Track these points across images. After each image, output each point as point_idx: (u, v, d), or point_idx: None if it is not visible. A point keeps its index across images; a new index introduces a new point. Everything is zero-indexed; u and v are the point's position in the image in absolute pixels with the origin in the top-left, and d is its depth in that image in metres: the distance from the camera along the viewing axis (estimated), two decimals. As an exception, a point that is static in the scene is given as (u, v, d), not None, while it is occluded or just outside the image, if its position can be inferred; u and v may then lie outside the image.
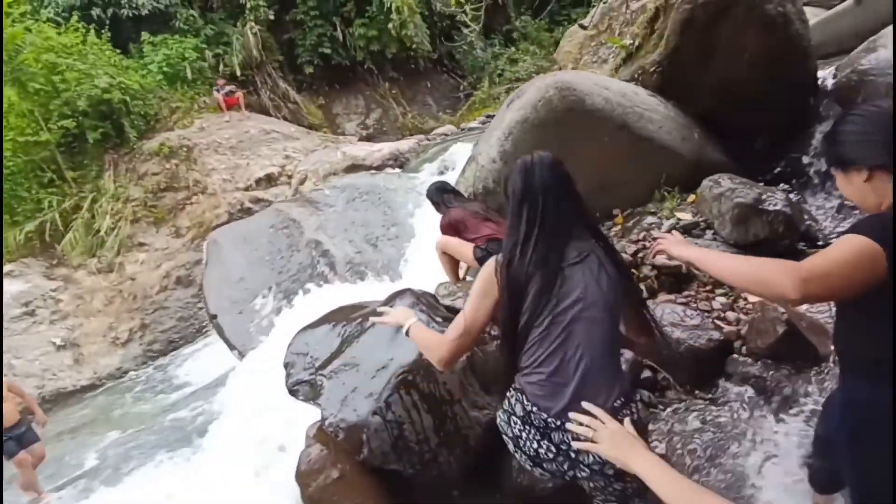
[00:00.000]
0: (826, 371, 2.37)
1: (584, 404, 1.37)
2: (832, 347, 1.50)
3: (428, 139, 10.13)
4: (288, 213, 6.39)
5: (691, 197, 3.61)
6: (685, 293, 3.01)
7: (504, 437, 1.59)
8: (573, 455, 1.44)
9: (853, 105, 1.43)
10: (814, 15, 5.29)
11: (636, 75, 4.33)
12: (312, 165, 9.20)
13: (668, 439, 2.42)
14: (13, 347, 7.80)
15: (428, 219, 4.85)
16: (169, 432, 4.96)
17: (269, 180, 10.07)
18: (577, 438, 1.37)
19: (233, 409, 3.93)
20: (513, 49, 14.29)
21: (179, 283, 9.26)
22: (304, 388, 2.69)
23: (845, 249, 1.19)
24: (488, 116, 10.24)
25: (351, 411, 2.40)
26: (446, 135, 10.35)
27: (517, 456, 1.55)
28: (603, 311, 1.49)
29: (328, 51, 12.92)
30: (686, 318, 2.78)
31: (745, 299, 2.96)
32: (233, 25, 12.40)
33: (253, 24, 12.02)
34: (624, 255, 3.23)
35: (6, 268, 8.55)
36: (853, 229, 1.23)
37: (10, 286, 8.28)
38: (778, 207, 3.09)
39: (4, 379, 4.45)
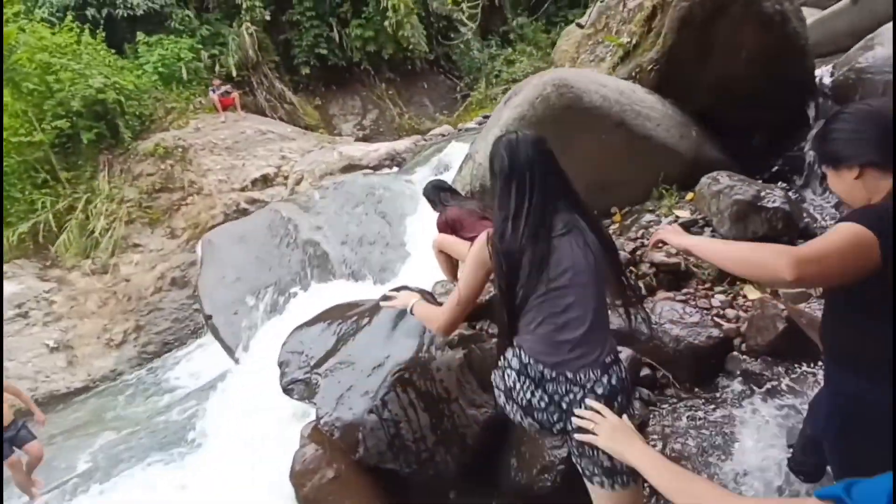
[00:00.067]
0: (827, 368, 2.34)
1: (589, 402, 1.45)
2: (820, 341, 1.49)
3: (425, 139, 10.10)
4: (284, 213, 6.34)
5: (689, 195, 3.59)
6: (684, 290, 2.99)
7: (496, 391, 1.67)
8: (564, 406, 1.53)
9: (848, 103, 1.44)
10: (809, 15, 5.29)
11: (633, 73, 4.32)
12: (309, 165, 9.17)
13: (667, 437, 2.39)
14: (6, 349, 7.72)
15: (424, 217, 4.82)
16: (163, 434, 4.91)
17: (265, 181, 10.03)
18: (577, 430, 1.44)
19: (227, 410, 3.88)
20: (510, 50, 14.30)
21: (174, 284, 9.19)
22: (298, 387, 2.65)
23: (840, 235, 1.21)
24: (485, 117, 10.22)
25: (346, 410, 2.36)
26: (443, 135, 10.32)
27: (507, 408, 1.63)
28: (592, 276, 1.59)
29: (324, 51, 12.90)
30: (685, 315, 2.76)
31: (745, 297, 2.94)
32: (229, 26, 12.37)
33: (249, 24, 12.00)
34: (622, 254, 3.21)
35: (0, 269, 8.47)
36: (848, 218, 1.25)
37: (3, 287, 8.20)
38: (777, 204, 3.08)
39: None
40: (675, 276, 3.08)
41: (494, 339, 2.59)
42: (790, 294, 2.76)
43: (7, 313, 8.13)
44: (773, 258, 1.21)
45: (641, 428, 2.38)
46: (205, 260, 6.36)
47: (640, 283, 3.03)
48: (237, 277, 5.85)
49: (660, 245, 1.64)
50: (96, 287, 9.06)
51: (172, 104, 10.96)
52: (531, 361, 1.56)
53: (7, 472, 4.42)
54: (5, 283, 8.33)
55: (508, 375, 1.60)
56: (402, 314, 2.53)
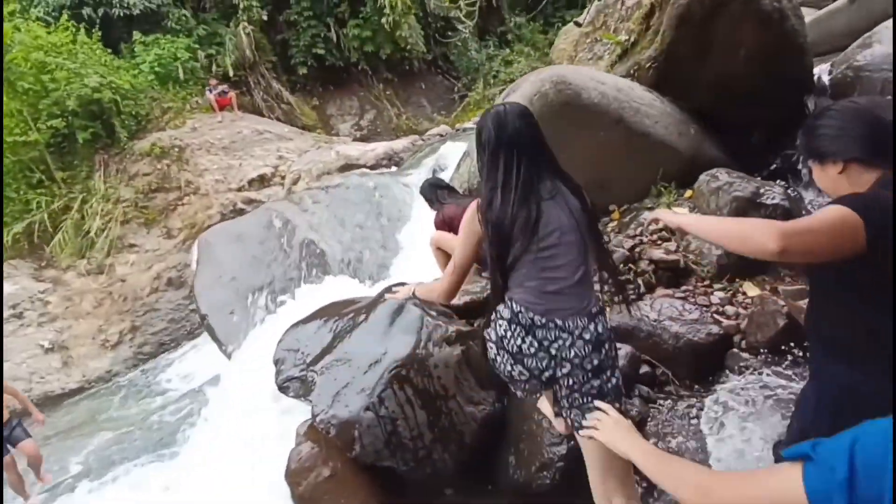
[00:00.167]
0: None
1: (597, 402, 1.48)
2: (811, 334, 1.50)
3: (423, 139, 10.07)
4: (281, 213, 6.31)
5: (688, 192, 3.58)
6: (683, 287, 2.98)
7: (488, 346, 1.74)
8: (553, 352, 1.63)
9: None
10: (806, 14, 5.30)
11: (632, 71, 4.31)
12: (306, 165, 9.12)
13: (666, 434, 2.37)
14: (1, 350, 7.65)
15: (421, 216, 4.80)
16: (158, 433, 4.86)
17: (262, 181, 9.97)
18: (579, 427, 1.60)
19: (223, 409, 3.84)
20: (507, 51, 14.28)
21: (171, 284, 9.12)
22: (294, 385, 2.62)
23: (826, 214, 1.25)
24: (483, 117, 10.16)
25: (343, 407, 2.33)
26: (441, 135, 10.29)
27: (499, 359, 1.69)
28: (576, 236, 1.70)
29: (322, 51, 12.84)
30: (685, 312, 2.75)
31: (744, 294, 2.92)
32: (225, 26, 12.31)
33: (246, 24, 11.94)
34: (621, 251, 3.20)
35: (-6, 269, 8.40)
36: (836, 202, 1.28)
37: (-3, 288, 8.13)
38: (776, 201, 3.07)
39: None
40: (675, 273, 3.06)
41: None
42: (790, 291, 2.75)
43: (1, 314, 8.05)
44: (759, 230, 1.24)
45: (641, 424, 2.36)
46: (201, 259, 6.32)
47: (640, 280, 3.01)
48: (233, 277, 5.81)
49: (656, 224, 1.68)
50: (91, 287, 8.99)
51: (169, 104, 10.89)
52: (522, 310, 1.64)
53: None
54: (0, 284, 8.26)
55: (500, 325, 1.68)
56: (399, 310, 2.51)
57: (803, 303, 2.69)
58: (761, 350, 2.58)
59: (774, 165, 3.89)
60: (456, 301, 2.90)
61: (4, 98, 9.00)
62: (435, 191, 3.89)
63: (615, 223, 3.68)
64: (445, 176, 5.15)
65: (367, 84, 13.70)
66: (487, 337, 1.73)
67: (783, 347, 2.53)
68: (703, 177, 3.40)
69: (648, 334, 2.69)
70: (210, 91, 11.04)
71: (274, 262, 5.75)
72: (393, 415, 2.27)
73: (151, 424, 5.23)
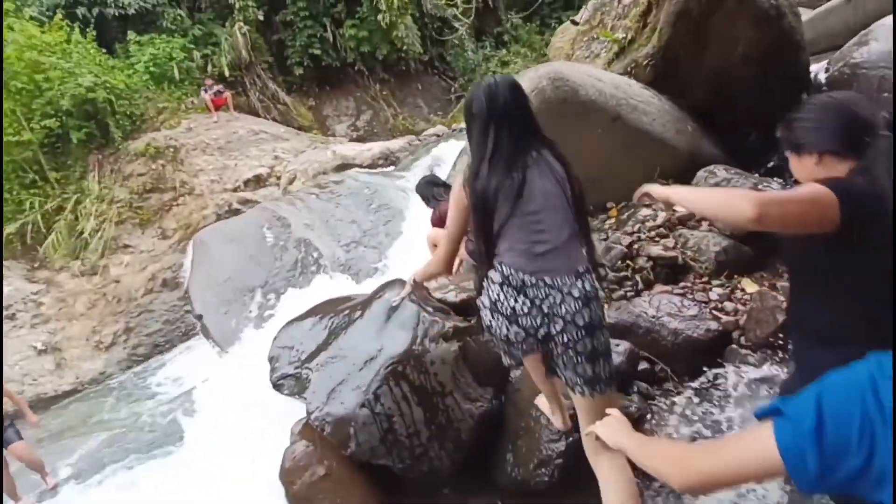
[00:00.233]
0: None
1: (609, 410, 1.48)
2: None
3: (419, 139, 10.05)
4: (276, 212, 6.28)
5: (686, 189, 3.56)
6: (681, 284, 2.96)
7: (482, 312, 1.80)
8: (545, 309, 1.69)
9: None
10: (801, 14, 5.32)
11: (629, 69, 4.29)
12: (302, 165, 9.08)
13: (665, 430, 2.34)
14: (-7, 351, 7.57)
15: (418, 214, 4.77)
16: (152, 434, 4.81)
17: (258, 181, 9.91)
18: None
19: (217, 410, 3.81)
20: (504, 51, 14.30)
21: (165, 285, 9.03)
22: (288, 383, 2.59)
23: (803, 189, 1.33)
24: (479, 117, 10.14)
25: (338, 404, 2.30)
26: (438, 135, 10.27)
27: (494, 323, 1.75)
28: (561, 200, 1.76)
29: (318, 52, 12.81)
30: (683, 308, 2.73)
31: (743, 290, 2.91)
32: (221, 26, 12.27)
33: (242, 24, 11.89)
34: (619, 248, 3.18)
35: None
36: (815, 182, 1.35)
37: (-11, 288, 8.04)
38: (774, 197, 3.05)
39: None
40: (673, 270, 3.04)
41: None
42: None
43: (-6, 315, 7.97)
44: (739, 198, 1.30)
45: (640, 421, 2.33)
46: (196, 259, 6.28)
47: (638, 277, 2.99)
48: (228, 276, 5.77)
49: (645, 199, 1.71)
50: (85, 288, 8.91)
51: (164, 104, 10.83)
52: (512, 272, 1.71)
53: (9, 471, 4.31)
54: (-7, 284, 8.18)
55: (492, 290, 1.74)
56: (395, 306, 2.48)
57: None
58: (760, 346, 2.55)
59: (772, 163, 3.88)
60: (453, 298, 2.88)
61: (-3, 97, 8.94)
62: (431, 188, 3.87)
63: (613, 220, 3.65)
64: (442, 174, 5.12)
65: (364, 85, 13.67)
66: (481, 304, 1.78)
67: (782, 343, 2.51)
68: (700, 173, 3.39)
69: (647, 331, 2.67)
70: (205, 91, 10.99)
71: (269, 262, 5.72)
72: (389, 412, 2.24)
73: (144, 425, 5.18)
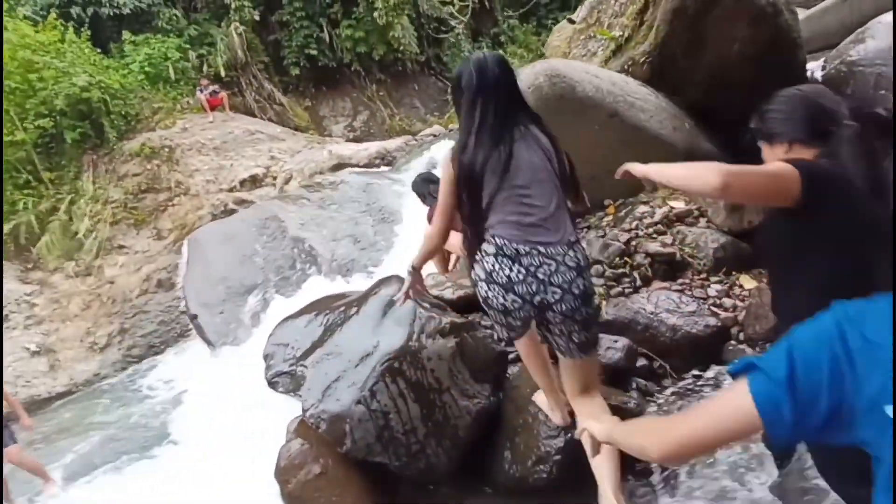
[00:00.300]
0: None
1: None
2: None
3: (416, 139, 10.05)
4: (271, 212, 6.25)
5: (683, 186, 3.55)
6: (680, 280, 2.95)
7: (477, 284, 1.84)
8: (541, 277, 1.74)
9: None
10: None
11: (626, 67, 4.28)
12: (298, 164, 9.05)
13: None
14: (-14, 352, 7.49)
15: (414, 213, 4.75)
16: (146, 435, 4.77)
17: (254, 181, 9.87)
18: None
19: (212, 409, 3.78)
20: (500, 52, 14.31)
21: (160, 286, 8.97)
22: (283, 380, 2.56)
23: (768, 164, 1.43)
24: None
25: (333, 401, 2.27)
26: (434, 135, 10.27)
27: (490, 294, 1.79)
28: (548, 173, 1.81)
29: (314, 52, 12.78)
30: (682, 304, 2.72)
31: (741, 286, 2.90)
32: (217, 26, 12.23)
33: (238, 24, 11.86)
34: (617, 244, 3.17)
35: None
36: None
37: (-17, 290, 7.97)
38: (772, 193, 3.04)
39: None
40: (671, 266, 3.04)
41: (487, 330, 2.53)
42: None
43: (-13, 316, 7.90)
44: (705, 169, 1.39)
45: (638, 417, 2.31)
46: (191, 259, 6.25)
47: (636, 274, 2.98)
48: (223, 276, 5.73)
49: (626, 176, 1.75)
50: (79, 289, 8.84)
51: (159, 104, 10.78)
52: (505, 243, 1.75)
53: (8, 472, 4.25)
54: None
55: (487, 261, 1.78)
56: (391, 302, 2.45)
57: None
58: (759, 342, 2.54)
59: (769, 160, 3.88)
60: (450, 295, 2.86)
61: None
62: (427, 185, 3.85)
63: (610, 217, 3.64)
64: (438, 173, 5.10)
65: (360, 85, 13.65)
66: (476, 278, 1.82)
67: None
68: (698, 170, 3.37)
69: (645, 327, 2.66)
70: (201, 91, 10.96)
71: (264, 261, 5.69)
72: (385, 408, 2.21)
73: (138, 426, 5.13)
